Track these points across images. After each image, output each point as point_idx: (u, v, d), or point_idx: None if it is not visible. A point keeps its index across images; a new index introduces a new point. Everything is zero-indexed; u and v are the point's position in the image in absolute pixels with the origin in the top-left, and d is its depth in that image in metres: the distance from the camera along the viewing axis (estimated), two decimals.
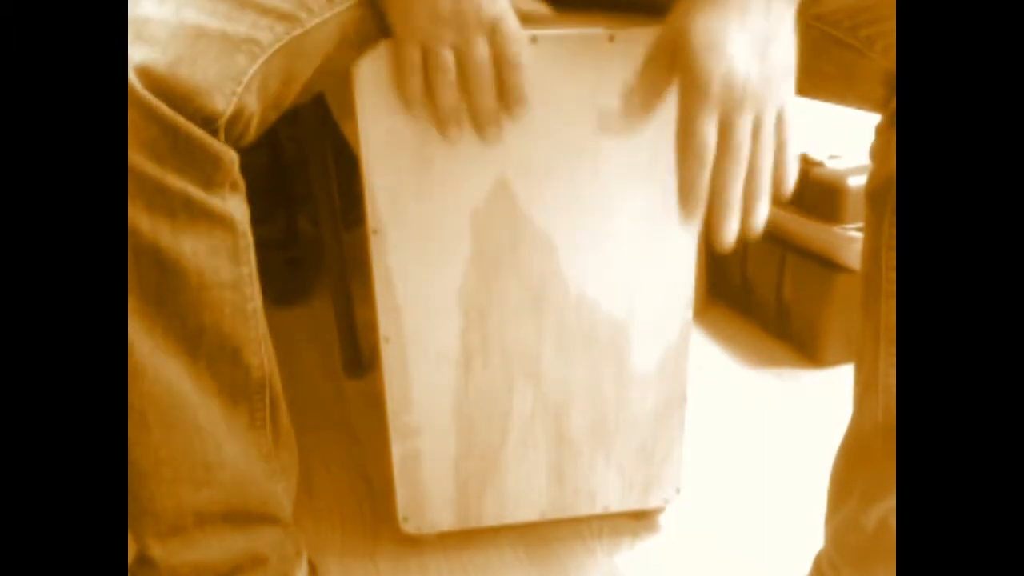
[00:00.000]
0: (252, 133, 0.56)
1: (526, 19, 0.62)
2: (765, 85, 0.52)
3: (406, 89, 0.62)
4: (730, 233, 0.54)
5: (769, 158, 0.54)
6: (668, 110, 0.70)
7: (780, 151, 0.55)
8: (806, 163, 1.16)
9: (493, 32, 0.59)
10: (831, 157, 1.15)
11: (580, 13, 0.75)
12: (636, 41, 0.67)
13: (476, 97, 0.61)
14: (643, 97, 0.57)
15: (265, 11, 0.55)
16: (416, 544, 0.88)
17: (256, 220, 0.58)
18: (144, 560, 0.62)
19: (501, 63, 0.60)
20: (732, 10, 0.52)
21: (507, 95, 0.62)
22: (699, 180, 0.53)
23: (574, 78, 0.68)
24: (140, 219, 0.50)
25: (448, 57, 0.59)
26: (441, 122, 0.63)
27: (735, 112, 0.52)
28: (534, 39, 0.66)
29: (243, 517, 0.64)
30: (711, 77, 0.52)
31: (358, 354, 1.21)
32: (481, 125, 0.63)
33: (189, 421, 0.58)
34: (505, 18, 0.59)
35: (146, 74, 0.48)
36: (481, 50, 0.59)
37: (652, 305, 0.78)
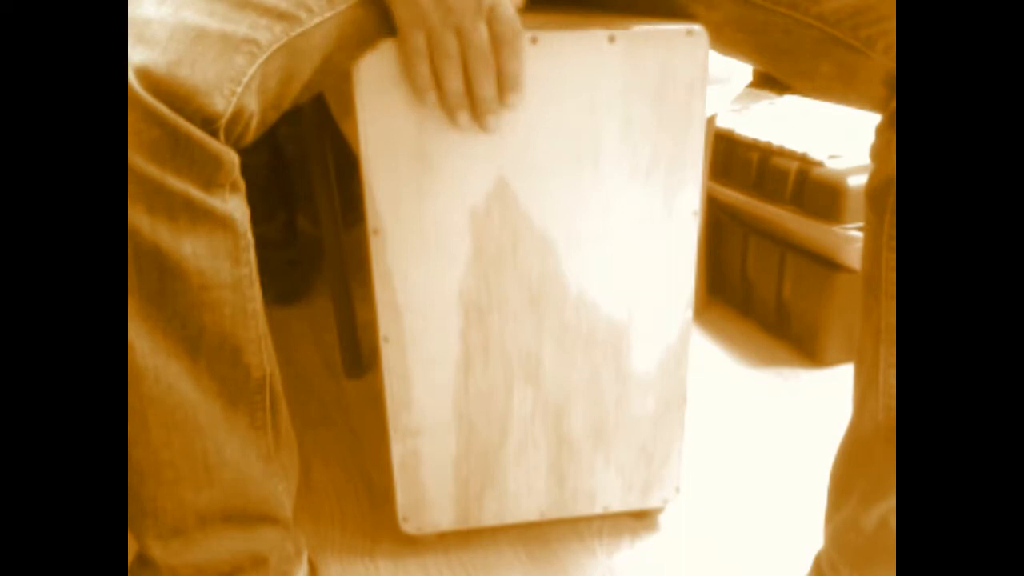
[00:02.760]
0: (252, 133, 0.56)
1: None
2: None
3: (415, 76, 0.64)
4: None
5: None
6: (671, 112, 0.70)
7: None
8: (806, 163, 1.16)
9: (491, 16, 0.61)
10: (831, 157, 1.15)
11: (580, 13, 0.75)
12: (636, 41, 0.67)
13: (475, 83, 0.63)
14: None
15: (264, 11, 0.55)
16: (416, 544, 0.88)
17: (256, 220, 0.58)
18: (144, 560, 0.62)
19: (499, 47, 0.62)
20: None
21: (503, 81, 0.64)
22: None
23: (574, 78, 0.68)
24: (140, 220, 0.50)
25: (452, 42, 0.61)
26: (450, 108, 0.65)
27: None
28: (534, 39, 0.66)
29: (243, 517, 0.64)
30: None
31: (358, 354, 1.20)
32: (480, 113, 0.65)
33: (189, 422, 0.58)
34: (501, 2, 0.61)
35: (145, 75, 0.48)
36: (481, 33, 0.61)
37: (652, 305, 0.78)
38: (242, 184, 0.56)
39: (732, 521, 0.92)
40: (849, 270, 1.14)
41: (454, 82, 0.63)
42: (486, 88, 0.64)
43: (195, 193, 0.52)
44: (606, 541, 0.89)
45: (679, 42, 0.68)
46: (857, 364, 0.63)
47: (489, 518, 0.86)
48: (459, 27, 0.61)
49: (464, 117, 0.65)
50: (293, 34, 0.56)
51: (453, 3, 0.60)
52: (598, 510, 0.87)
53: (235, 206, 0.56)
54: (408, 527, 0.85)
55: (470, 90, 0.64)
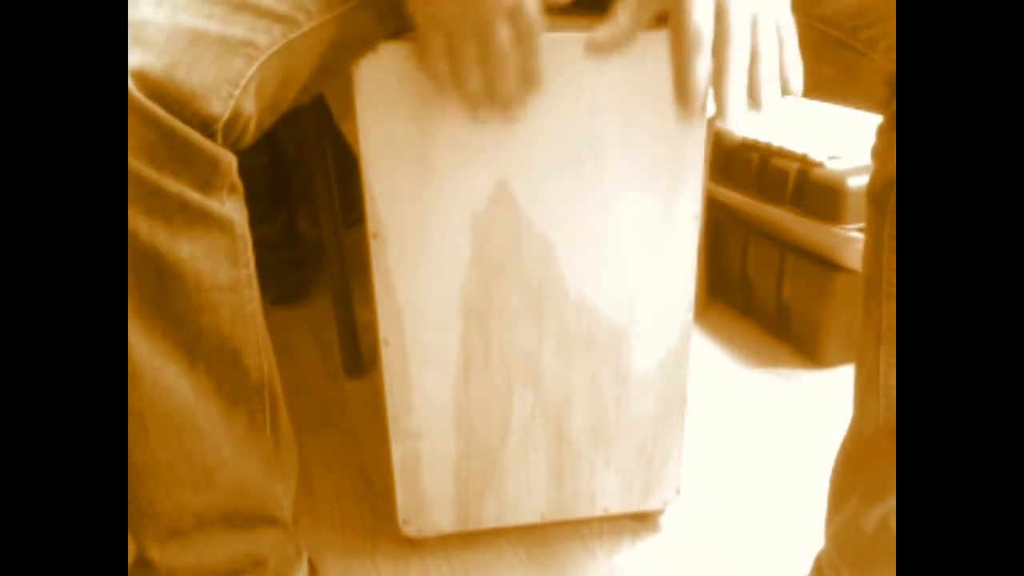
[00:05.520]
0: (250, 136, 0.56)
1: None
2: None
3: (435, 76, 0.62)
4: (739, 118, 0.49)
5: (772, 47, 0.50)
6: (672, 115, 0.70)
7: (783, 47, 0.52)
8: (806, 164, 1.16)
9: (513, 16, 0.58)
10: (831, 157, 1.15)
11: (581, 13, 0.74)
12: (637, 44, 0.67)
13: (499, 81, 0.61)
14: (631, 16, 0.56)
15: (262, 13, 0.55)
16: (416, 545, 0.88)
17: (256, 220, 0.58)
18: (143, 562, 0.62)
19: (518, 44, 0.59)
20: None
21: (526, 78, 0.61)
22: (693, 65, 0.49)
23: (574, 79, 0.68)
24: (138, 223, 0.50)
25: (471, 43, 0.59)
26: (472, 106, 0.63)
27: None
28: None
29: (243, 519, 0.64)
30: None
31: (358, 354, 1.20)
32: (504, 107, 0.62)
33: (188, 423, 0.58)
34: (526, 3, 0.58)
35: (143, 78, 0.48)
36: (503, 35, 0.58)
37: (652, 308, 0.78)
38: (240, 186, 0.56)
39: (732, 521, 0.92)
40: (849, 271, 1.14)
41: (474, 83, 0.60)
42: (510, 84, 0.61)
43: (192, 195, 0.52)
44: (607, 542, 0.89)
45: None
46: (857, 365, 0.63)
47: (489, 520, 0.86)
48: (478, 27, 0.58)
49: (486, 113, 0.62)
50: (291, 36, 0.56)
51: (473, 4, 0.57)
52: (598, 511, 0.87)
53: (233, 208, 0.56)
54: (408, 529, 0.85)
55: (491, 86, 0.61)
